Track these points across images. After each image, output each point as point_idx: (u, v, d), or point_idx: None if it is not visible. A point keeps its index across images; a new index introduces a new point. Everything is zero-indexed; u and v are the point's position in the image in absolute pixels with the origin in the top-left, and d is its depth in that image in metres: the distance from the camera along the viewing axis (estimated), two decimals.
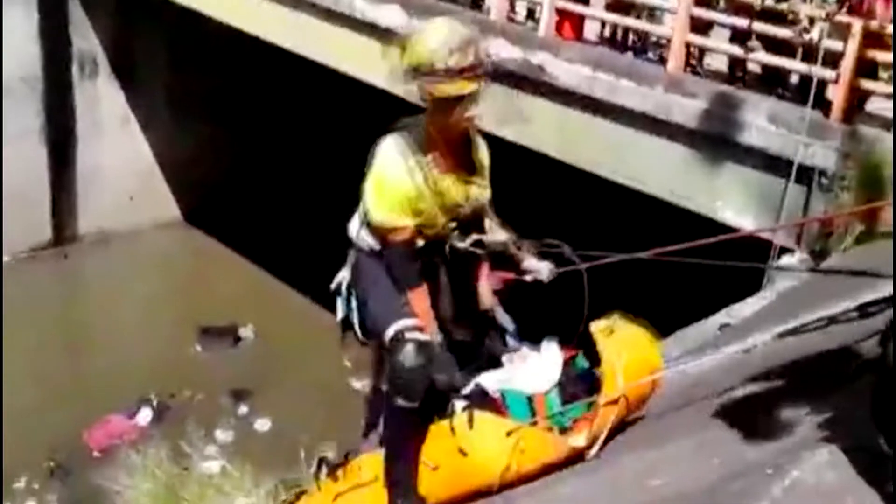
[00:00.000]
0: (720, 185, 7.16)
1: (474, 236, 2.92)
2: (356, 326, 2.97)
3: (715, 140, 7.09)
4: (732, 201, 7.08)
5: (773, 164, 6.75)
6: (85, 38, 12.72)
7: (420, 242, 2.81)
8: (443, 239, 2.87)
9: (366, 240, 2.87)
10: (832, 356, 2.69)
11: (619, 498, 2.25)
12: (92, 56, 12.87)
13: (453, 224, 2.85)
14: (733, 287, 5.74)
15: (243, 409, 10.29)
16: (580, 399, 2.88)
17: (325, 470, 3.30)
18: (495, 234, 3.03)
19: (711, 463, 2.20)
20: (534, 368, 2.91)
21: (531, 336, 3.05)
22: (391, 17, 8.69)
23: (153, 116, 13.43)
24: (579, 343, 3.02)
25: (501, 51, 8.11)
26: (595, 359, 2.94)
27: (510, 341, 3.02)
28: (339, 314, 3.01)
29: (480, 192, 2.88)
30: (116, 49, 12.98)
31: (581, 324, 2.93)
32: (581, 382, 2.93)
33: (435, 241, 2.85)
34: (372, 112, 12.12)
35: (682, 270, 3.49)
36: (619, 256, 3.28)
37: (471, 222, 2.91)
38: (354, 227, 2.94)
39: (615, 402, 2.78)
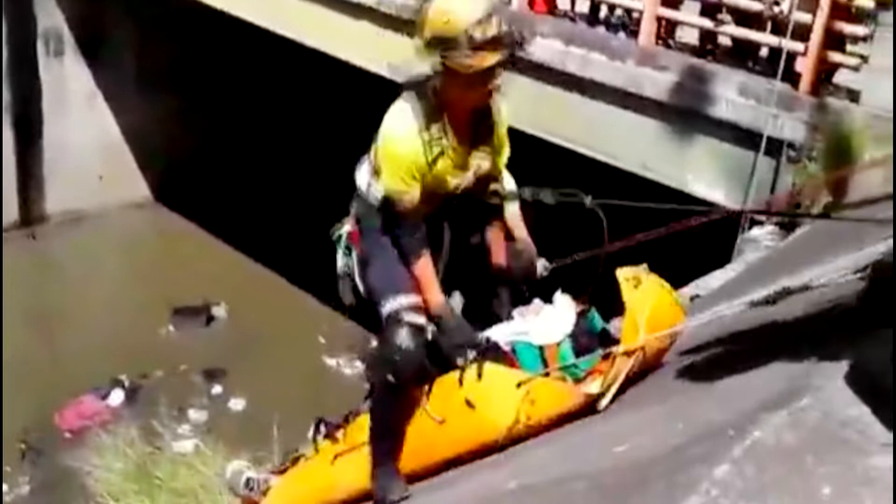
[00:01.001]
0: (691, 158, 7.20)
1: (490, 187, 2.86)
2: (356, 281, 2.90)
3: (686, 113, 7.11)
4: (703, 174, 7.12)
5: (744, 136, 6.78)
6: (50, 15, 12.45)
7: (425, 209, 2.74)
8: (450, 199, 2.80)
9: (375, 195, 2.78)
10: (807, 320, 2.71)
11: (582, 465, 2.26)
12: (57, 33, 12.60)
13: (459, 187, 2.78)
14: (703, 259, 5.78)
15: (217, 388, 10.25)
16: (592, 351, 2.81)
17: (322, 431, 3.27)
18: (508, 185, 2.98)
19: (679, 427, 2.21)
20: (546, 320, 2.86)
21: (542, 291, 3.00)
22: None
23: (121, 94, 13.19)
24: (593, 299, 2.97)
25: None
26: (608, 316, 2.89)
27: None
28: (339, 265, 2.95)
29: (487, 160, 2.79)
30: (82, 25, 12.71)
31: (597, 278, 2.89)
32: (593, 336, 2.88)
33: (441, 204, 2.79)
34: (343, 87, 12.03)
35: (652, 242, 3.48)
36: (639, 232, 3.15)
37: (480, 184, 2.83)
38: (363, 179, 2.82)
39: (632, 353, 2.72)
